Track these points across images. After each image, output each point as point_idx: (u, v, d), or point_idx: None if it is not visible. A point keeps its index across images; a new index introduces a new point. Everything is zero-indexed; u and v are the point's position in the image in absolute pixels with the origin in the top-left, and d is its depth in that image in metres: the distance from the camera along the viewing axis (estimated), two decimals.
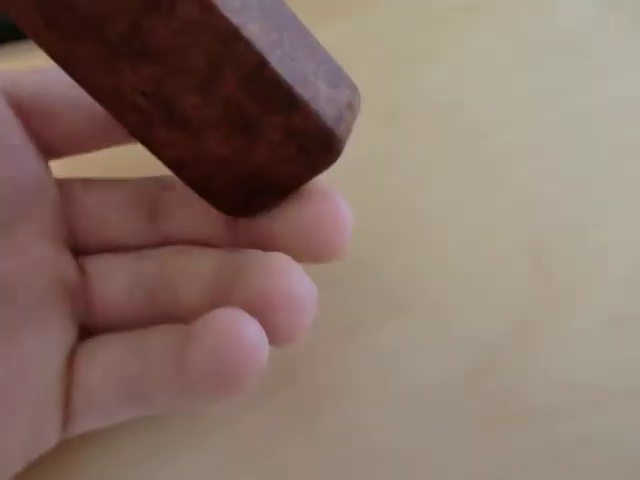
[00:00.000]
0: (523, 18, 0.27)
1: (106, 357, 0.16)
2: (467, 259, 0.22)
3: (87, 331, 0.18)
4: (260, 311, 0.15)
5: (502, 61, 0.26)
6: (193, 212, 0.18)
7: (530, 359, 0.21)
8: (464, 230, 0.23)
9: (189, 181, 0.16)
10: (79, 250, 0.18)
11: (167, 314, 0.17)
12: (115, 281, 0.17)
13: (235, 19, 0.13)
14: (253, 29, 0.14)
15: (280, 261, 0.15)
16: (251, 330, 0.14)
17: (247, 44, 0.14)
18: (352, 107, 0.16)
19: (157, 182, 0.19)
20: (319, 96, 0.15)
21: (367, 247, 0.22)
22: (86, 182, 0.18)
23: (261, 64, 0.14)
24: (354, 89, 0.16)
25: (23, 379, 0.15)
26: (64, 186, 0.18)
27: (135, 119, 0.15)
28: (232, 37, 0.13)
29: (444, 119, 0.25)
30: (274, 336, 0.15)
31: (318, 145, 0.15)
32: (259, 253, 0.16)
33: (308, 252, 0.16)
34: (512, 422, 0.20)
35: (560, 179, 0.24)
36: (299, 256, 0.16)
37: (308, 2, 0.27)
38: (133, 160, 0.23)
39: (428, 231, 0.23)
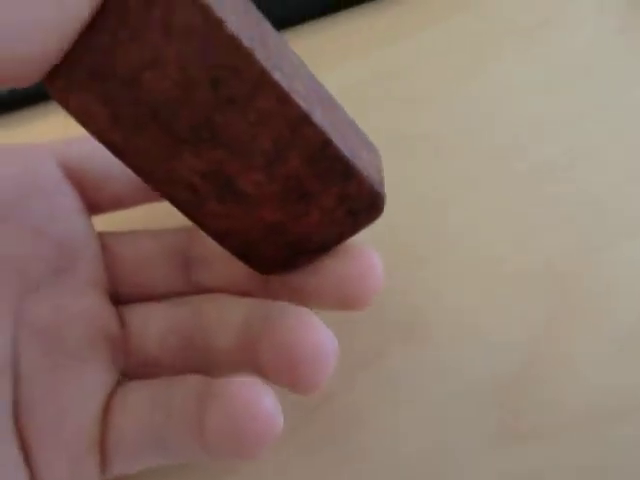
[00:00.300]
0: (537, 45, 0.27)
1: (137, 404, 0.17)
2: (485, 280, 0.23)
3: (124, 375, 0.19)
4: (286, 363, 0.16)
5: (519, 86, 0.26)
6: (227, 264, 0.19)
7: (548, 378, 0.21)
8: (480, 252, 0.23)
9: (231, 248, 0.17)
10: (119, 300, 0.19)
11: (200, 359, 0.18)
12: (151, 328, 0.18)
13: (305, 106, 0.14)
14: (318, 113, 0.15)
15: (306, 315, 0.16)
16: (268, 401, 0.15)
17: (315, 127, 0.14)
18: (381, 168, 0.17)
19: (189, 233, 0.20)
20: (365, 163, 0.16)
21: (389, 269, 0.23)
22: (122, 234, 0.20)
23: (325, 144, 0.15)
24: (377, 150, 0.18)
25: (64, 420, 0.16)
26: (102, 239, 0.19)
27: (187, 197, 0.15)
28: (302, 122, 0.14)
29: (462, 143, 0.25)
30: (297, 387, 0.16)
31: (366, 207, 0.16)
32: (286, 305, 0.17)
33: (340, 304, 0.17)
34: (529, 438, 0.20)
35: (578, 200, 0.24)
36: (329, 307, 0.17)
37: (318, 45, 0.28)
38: (166, 210, 0.24)
39: (445, 253, 0.23)
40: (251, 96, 0.14)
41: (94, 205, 0.19)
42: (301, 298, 0.17)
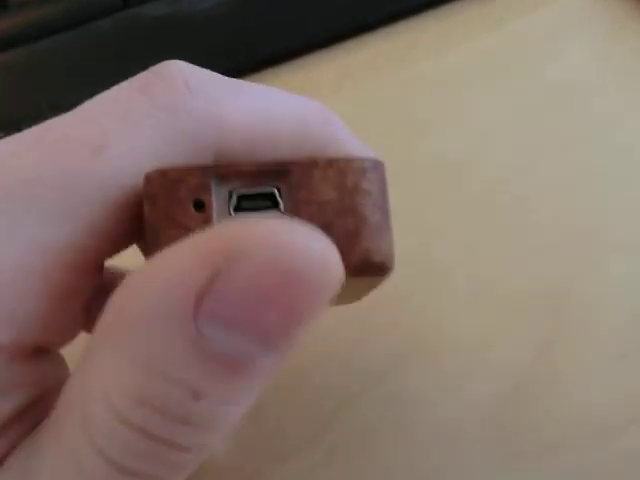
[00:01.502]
0: (518, 72, 0.28)
1: None
2: (482, 304, 0.23)
3: None
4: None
5: (503, 116, 0.27)
6: None
7: (544, 397, 0.22)
8: (479, 276, 0.24)
9: None
10: None
11: None
12: None
13: None
14: None
15: None
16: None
17: None
18: None
19: None
20: None
21: (386, 299, 0.23)
22: None
23: None
24: None
25: None
26: None
27: None
28: None
29: (450, 175, 0.26)
30: None
31: None
32: None
33: None
34: (529, 456, 0.21)
35: (572, 220, 0.25)
36: None
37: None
38: None
39: (444, 279, 0.24)
40: None
41: None
42: None
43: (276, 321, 0.09)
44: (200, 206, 0.12)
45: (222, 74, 0.15)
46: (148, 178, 0.12)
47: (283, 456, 0.21)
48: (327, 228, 0.12)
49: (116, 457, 0.11)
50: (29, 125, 0.13)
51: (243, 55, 0.28)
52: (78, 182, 0.12)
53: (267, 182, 0.13)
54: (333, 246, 0.10)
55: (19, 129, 0.13)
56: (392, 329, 0.23)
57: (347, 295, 0.14)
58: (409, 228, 0.24)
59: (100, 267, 0.14)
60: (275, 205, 0.13)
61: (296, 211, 0.12)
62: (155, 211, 0.12)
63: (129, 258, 0.14)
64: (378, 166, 0.13)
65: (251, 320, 0.09)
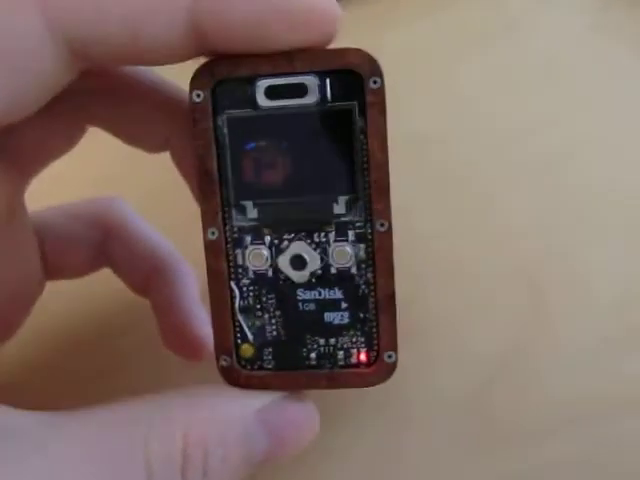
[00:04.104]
0: (506, 44, 0.27)
1: None
2: (465, 285, 0.23)
3: None
4: None
5: (487, 89, 0.26)
6: None
7: (526, 379, 0.21)
8: (463, 256, 0.23)
9: None
10: None
11: None
12: None
13: None
14: None
15: None
16: None
17: None
18: None
19: None
20: None
21: None
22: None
23: None
24: None
25: None
26: None
27: None
28: None
29: (431, 150, 0.25)
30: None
31: None
32: None
33: None
34: (509, 441, 0.20)
35: (551, 206, 0.24)
36: None
37: None
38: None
39: (430, 259, 0.23)
40: None
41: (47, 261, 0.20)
42: None
43: None
44: None
45: None
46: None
47: None
48: None
49: None
50: None
51: None
52: None
53: None
54: None
55: None
56: None
57: None
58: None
59: None
60: None
61: None
62: None
63: None
64: None
65: None
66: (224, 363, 0.17)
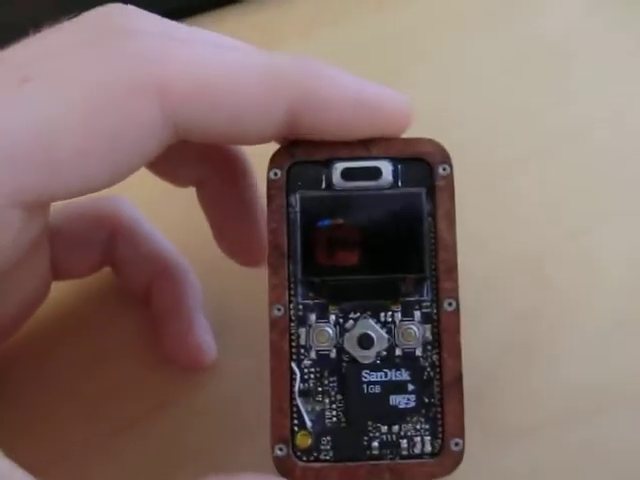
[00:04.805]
0: (507, 25, 0.27)
1: None
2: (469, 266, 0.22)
3: None
4: None
5: (489, 70, 0.26)
6: None
7: (533, 366, 0.21)
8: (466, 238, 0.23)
9: None
10: None
11: None
12: None
13: None
14: None
15: None
16: None
17: None
18: None
19: None
20: None
21: None
22: None
23: None
24: None
25: None
26: None
27: None
28: None
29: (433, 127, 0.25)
30: None
31: None
32: None
33: None
34: (516, 431, 0.20)
35: (558, 187, 0.24)
36: None
37: None
38: None
39: None
40: None
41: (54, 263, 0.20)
42: None
43: None
44: None
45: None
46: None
47: None
48: None
49: None
50: None
51: None
52: None
53: None
54: None
55: None
56: None
57: None
58: None
59: None
60: None
61: None
62: None
63: None
64: None
65: None
66: (279, 453, 0.16)
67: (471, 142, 0.25)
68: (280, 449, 0.16)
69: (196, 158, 0.20)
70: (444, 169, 0.17)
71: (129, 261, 0.21)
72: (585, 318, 0.22)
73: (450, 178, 0.17)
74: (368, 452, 0.16)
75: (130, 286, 0.22)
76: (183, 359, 0.21)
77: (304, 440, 0.16)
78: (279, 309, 0.16)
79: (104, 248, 0.21)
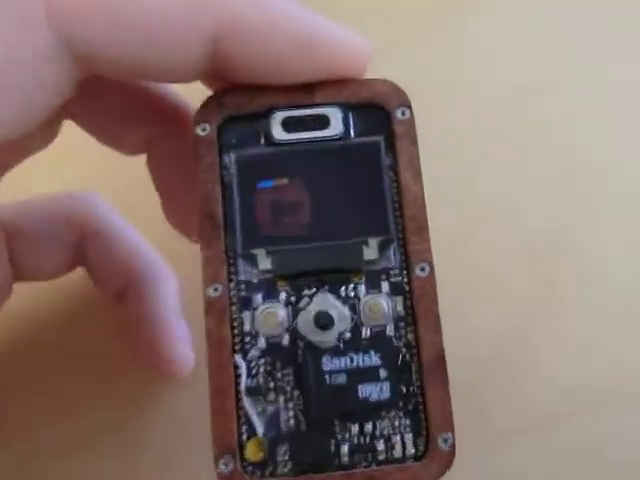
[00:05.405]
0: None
1: None
2: (465, 261, 0.22)
3: None
4: None
5: (496, 43, 0.25)
6: None
7: (528, 364, 0.20)
8: (463, 231, 0.22)
9: None
10: None
11: None
12: None
13: None
14: None
15: None
16: None
17: None
18: None
19: None
20: None
21: None
22: None
23: None
24: None
25: None
26: None
27: None
28: None
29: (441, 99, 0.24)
30: None
31: None
32: None
33: None
34: (509, 429, 0.19)
35: (557, 177, 0.23)
36: None
37: None
38: None
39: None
40: None
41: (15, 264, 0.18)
42: None
43: None
44: None
45: None
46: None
47: None
48: None
49: None
50: None
51: None
52: None
53: None
54: None
55: None
56: None
57: None
58: None
59: None
60: None
61: None
62: None
63: None
64: None
65: None
66: (224, 468, 0.13)
67: (460, 126, 0.24)
68: (225, 464, 0.13)
69: (142, 116, 0.17)
70: (403, 113, 0.14)
71: (101, 265, 0.20)
72: (580, 314, 0.21)
73: (411, 122, 0.14)
74: (337, 460, 0.13)
75: (103, 290, 0.21)
76: (158, 368, 0.20)
77: (255, 450, 0.13)
78: (216, 289, 0.13)
79: (73, 250, 0.20)
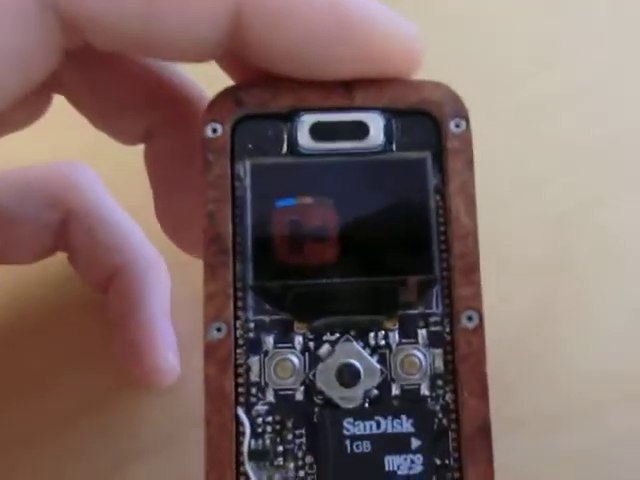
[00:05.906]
0: None
1: None
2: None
3: None
4: None
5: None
6: None
7: (549, 353, 0.20)
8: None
9: None
10: None
11: None
12: None
13: None
14: None
15: None
16: None
17: None
18: None
19: None
20: None
21: None
22: None
23: None
24: None
25: None
26: None
27: None
28: None
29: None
30: None
31: None
32: None
33: None
34: (531, 421, 0.19)
35: (576, 153, 0.22)
36: None
37: None
38: None
39: None
40: None
41: None
42: None
43: None
44: None
45: None
46: None
47: None
48: None
49: None
50: None
51: None
52: None
53: None
54: None
55: None
56: None
57: None
58: None
59: None
60: None
61: None
62: None
63: None
64: None
65: None
66: None
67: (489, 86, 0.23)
68: None
69: (145, 100, 0.15)
70: (457, 125, 0.12)
71: (84, 250, 0.18)
72: (602, 304, 0.20)
73: (467, 137, 0.12)
74: None
75: (86, 279, 0.19)
76: (136, 376, 0.18)
77: None
78: (219, 329, 0.11)
79: (55, 232, 0.18)
